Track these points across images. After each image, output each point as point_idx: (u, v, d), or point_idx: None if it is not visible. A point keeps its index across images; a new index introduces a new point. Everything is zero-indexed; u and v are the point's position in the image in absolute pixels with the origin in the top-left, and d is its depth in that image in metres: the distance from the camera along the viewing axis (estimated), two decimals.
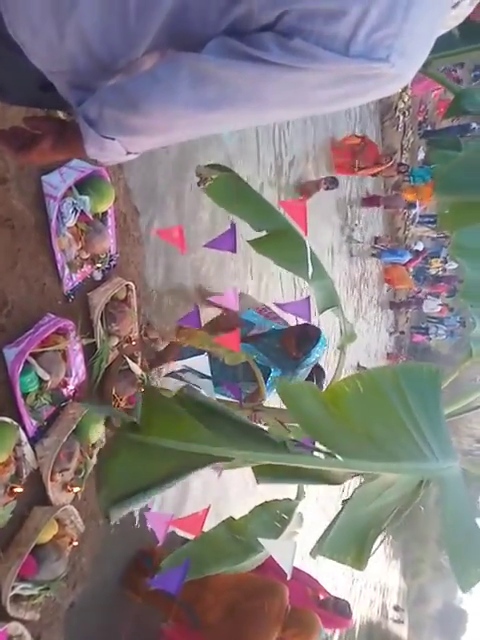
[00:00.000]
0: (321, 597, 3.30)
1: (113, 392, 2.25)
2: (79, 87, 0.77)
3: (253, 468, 1.49)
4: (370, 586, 12.72)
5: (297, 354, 2.57)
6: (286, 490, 2.22)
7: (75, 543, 2.07)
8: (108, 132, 0.72)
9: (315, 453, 1.32)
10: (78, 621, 2.40)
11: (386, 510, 1.31)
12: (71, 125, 0.77)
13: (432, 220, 12.17)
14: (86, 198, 1.91)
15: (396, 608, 14.82)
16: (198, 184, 2.01)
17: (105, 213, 2.10)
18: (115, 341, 2.27)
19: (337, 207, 7.80)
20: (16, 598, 1.81)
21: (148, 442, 1.30)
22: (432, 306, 13.76)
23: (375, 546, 1.28)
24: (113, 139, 0.73)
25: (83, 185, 1.92)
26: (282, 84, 0.66)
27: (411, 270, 11.85)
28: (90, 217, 1.97)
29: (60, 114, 0.96)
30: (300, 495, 2.13)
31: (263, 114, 0.72)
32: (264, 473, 1.45)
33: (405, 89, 9.97)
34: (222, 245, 1.91)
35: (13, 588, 1.76)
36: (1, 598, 1.74)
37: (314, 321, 2.38)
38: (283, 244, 1.77)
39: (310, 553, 1.31)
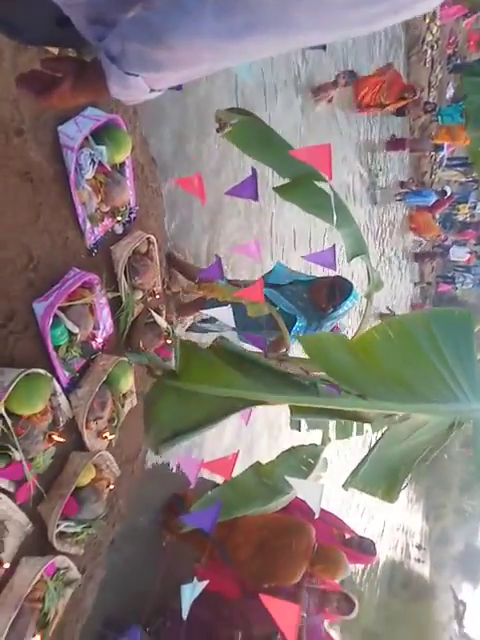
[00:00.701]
0: (346, 536, 3.44)
1: (140, 345, 2.30)
2: (97, 21, 0.74)
3: (290, 407, 1.54)
4: (393, 528, 13.18)
5: (326, 306, 2.52)
6: (311, 436, 2.27)
7: (112, 486, 2.19)
8: (132, 68, 0.70)
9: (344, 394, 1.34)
10: (118, 557, 2.58)
11: (417, 449, 1.34)
12: (91, 64, 0.75)
13: (460, 163, 11.59)
14: (103, 148, 1.87)
15: (418, 547, 15.34)
16: (217, 130, 1.94)
17: (123, 164, 2.06)
18: (139, 295, 2.29)
19: (360, 152, 7.48)
20: (61, 535, 1.95)
21: (187, 388, 1.38)
22: (459, 254, 13.34)
23: (405, 483, 1.32)
24: (137, 75, 0.70)
25: (99, 135, 1.88)
26: (311, 4, 0.62)
27: (437, 216, 11.42)
28: (108, 168, 1.94)
29: (78, 54, 0.92)
30: (325, 440, 2.18)
31: (291, 39, 0.69)
32: (299, 409, 1.50)
33: (433, 19, 9.26)
34: (243, 192, 1.87)
35: (58, 526, 1.89)
36: (48, 535, 1.87)
37: (338, 270, 2.34)
38: (308, 189, 1.72)
39: (343, 485, 1.36)
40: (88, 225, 1.93)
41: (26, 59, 1.60)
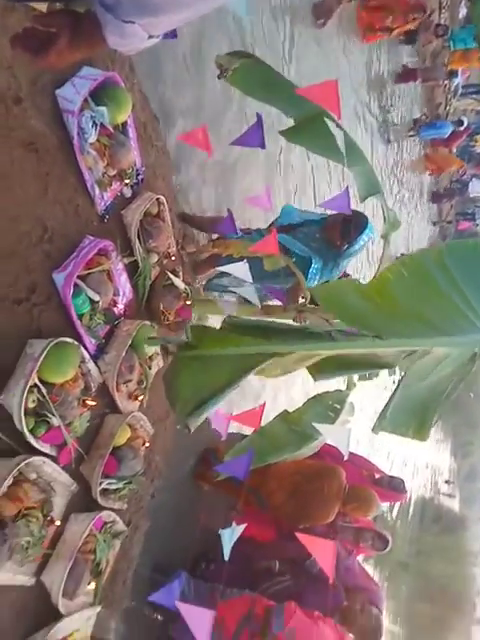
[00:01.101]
0: (376, 477, 3.54)
1: (160, 308, 2.32)
2: None
3: (308, 367, 1.55)
4: (422, 468, 13.48)
5: (341, 243, 2.46)
6: (337, 383, 2.30)
7: (147, 444, 2.28)
8: (128, 15, 0.67)
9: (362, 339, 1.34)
10: (159, 508, 2.72)
11: (442, 384, 1.34)
12: (86, 16, 0.72)
13: (477, 91, 10.92)
14: (103, 109, 1.82)
15: (447, 482, 15.67)
16: (219, 77, 1.87)
17: (125, 124, 2.01)
18: (155, 258, 2.29)
19: (369, 87, 7.11)
20: (104, 492, 2.06)
21: (204, 356, 1.40)
22: (479, 188, 12.82)
23: (435, 419, 1.33)
24: (133, 22, 0.68)
25: (98, 95, 1.83)
26: None
27: (454, 150, 10.90)
28: (111, 129, 1.90)
29: (67, 6, 0.88)
30: (350, 385, 2.21)
31: None
32: (318, 369, 1.52)
33: None
34: (250, 141, 1.81)
35: (100, 484, 2.00)
36: (92, 493, 1.98)
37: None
38: (317, 130, 1.66)
39: (372, 429, 1.38)
40: (97, 191, 1.91)
41: (15, 20, 1.54)
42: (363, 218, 2.47)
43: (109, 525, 2.10)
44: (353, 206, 1.73)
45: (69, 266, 1.76)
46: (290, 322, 2.24)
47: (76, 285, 1.78)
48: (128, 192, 2.12)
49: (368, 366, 1.49)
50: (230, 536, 1.87)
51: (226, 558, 1.80)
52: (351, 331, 1.53)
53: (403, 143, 9.02)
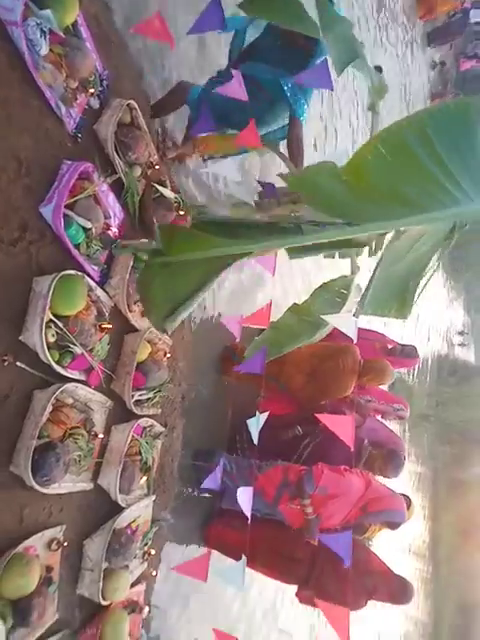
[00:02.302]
0: (389, 347, 3.73)
1: (154, 221, 2.29)
2: None
3: (287, 251, 1.56)
4: (437, 327, 13.94)
5: (305, 42, 2.10)
6: (341, 269, 2.32)
7: (169, 355, 2.42)
8: None
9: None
10: (191, 407, 2.95)
11: (421, 260, 1.34)
12: None
13: None
14: (48, 12, 1.63)
15: (461, 333, 16.16)
16: None
17: (75, 24, 1.81)
18: (138, 171, 2.20)
19: None
20: (138, 403, 2.24)
21: (174, 261, 1.39)
22: None
23: (416, 297, 1.36)
24: None
25: None
26: None
27: None
28: (61, 35, 1.72)
29: None
30: (354, 270, 2.23)
31: None
32: (289, 251, 1.52)
33: None
34: (207, 25, 1.64)
35: (132, 397, 2.17)
36: (127, 406, 2.16)
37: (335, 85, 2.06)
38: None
39: (354, 314, 1.42)
40: (63, 109, 1.79)
41: None
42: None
43: (148, 429, 2.32)
44: (335, 82, 1.59)
45: (54, 197, 1.72)
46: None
47: (65, 215, 1.76)
48: (96, 103, 1.97)
49: (342, 246, 1.48)
50: (256, 423, 2.06)
51: (255, 442, 2.01)
52: (321, 221, 1.52)
53: None
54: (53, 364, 1.70)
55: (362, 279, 2.27)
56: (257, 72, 2.13)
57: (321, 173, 1.14)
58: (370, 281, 1.34)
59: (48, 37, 1.67)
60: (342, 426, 1.85)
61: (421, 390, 11.42)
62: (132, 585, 2.17)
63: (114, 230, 2.06)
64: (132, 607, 2.16)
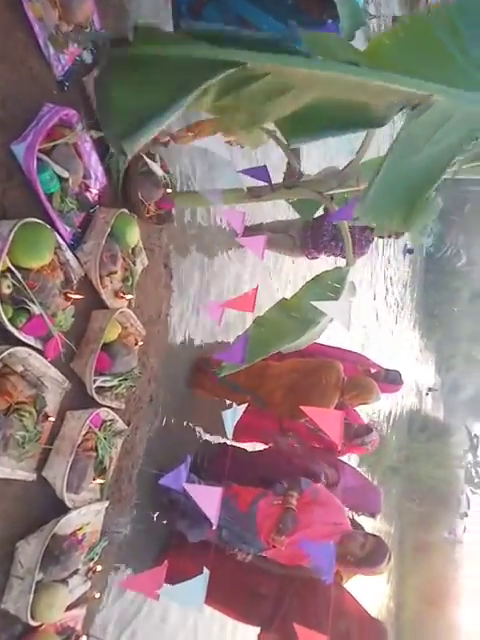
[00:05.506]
0: (372, 371, 3.57)
1: (139, 196, 2.13)
2: None
3: (281, 129, 1.28)
4: (409, 383, 14.02)
5: (319, 15, 1.93)
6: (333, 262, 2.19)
7: (141, 343, 2.19)
8: None
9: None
10: (159, 412, 2.69)
11: (440, 160, 1.10)
12: None
13: None
14: None
15: (430, 389, 16.34)
16: None
17: None
18: None
19: None
20: (100, 390, 1.98)
21: (146, 59, 1.10)
22: None
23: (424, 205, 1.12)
24: None
25: None
26: None
27: None
28: None
29: None
30: (350, 262, 2.10)
31: None
32: (292, 129, 1.24)
33: None
34: None
35: (95, 381, 1.91)
36: (87, 390, 1.90)
37: None
38: None
39: (352, 217, 1.18)
40: (51, 51, 1.66)
41: None
42: None
43: (109, 423, 2.05)
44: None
45: (29, 136, 1.54)
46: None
47: (40, 160, 1.58)
48: (88, 58, 1.85)
49: (353, 122, 1.15)
50: (232, 416, 1.82)
51: (230, 437, 1.77)
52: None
53: None
54: (5, 320, 1.47)
55: (357, 276, 2.14)
56: (262, 21, 1.98)
57: (337, 46, 0.97)
58: (374, 176, 1.08)
59: None
60: (330, 422, 1.64)
61: (393, 442, 11.26)
62: (69, 607, 1.83)
63: (94, 193, 1.89)
64: (67, 634, 1.81)
